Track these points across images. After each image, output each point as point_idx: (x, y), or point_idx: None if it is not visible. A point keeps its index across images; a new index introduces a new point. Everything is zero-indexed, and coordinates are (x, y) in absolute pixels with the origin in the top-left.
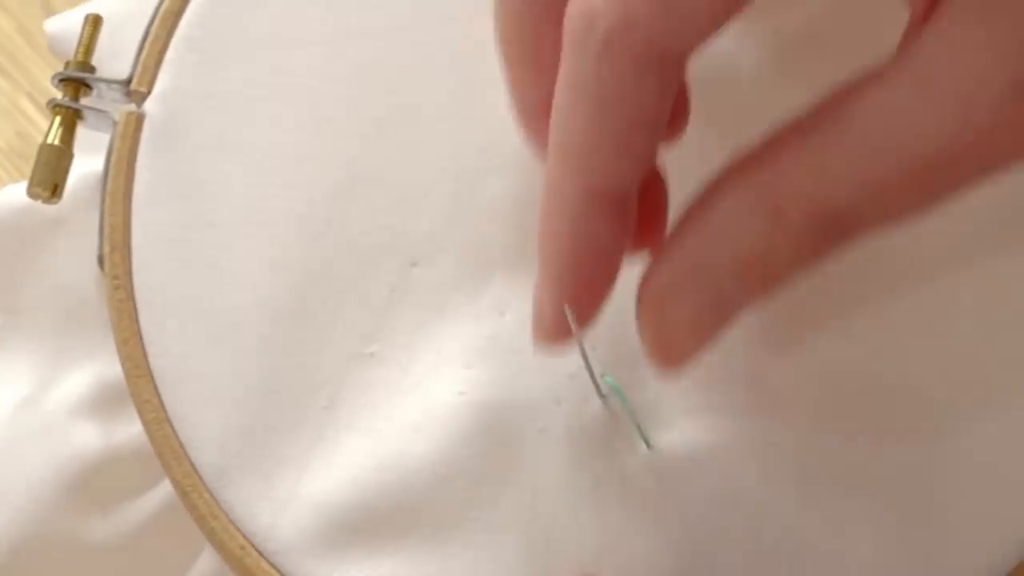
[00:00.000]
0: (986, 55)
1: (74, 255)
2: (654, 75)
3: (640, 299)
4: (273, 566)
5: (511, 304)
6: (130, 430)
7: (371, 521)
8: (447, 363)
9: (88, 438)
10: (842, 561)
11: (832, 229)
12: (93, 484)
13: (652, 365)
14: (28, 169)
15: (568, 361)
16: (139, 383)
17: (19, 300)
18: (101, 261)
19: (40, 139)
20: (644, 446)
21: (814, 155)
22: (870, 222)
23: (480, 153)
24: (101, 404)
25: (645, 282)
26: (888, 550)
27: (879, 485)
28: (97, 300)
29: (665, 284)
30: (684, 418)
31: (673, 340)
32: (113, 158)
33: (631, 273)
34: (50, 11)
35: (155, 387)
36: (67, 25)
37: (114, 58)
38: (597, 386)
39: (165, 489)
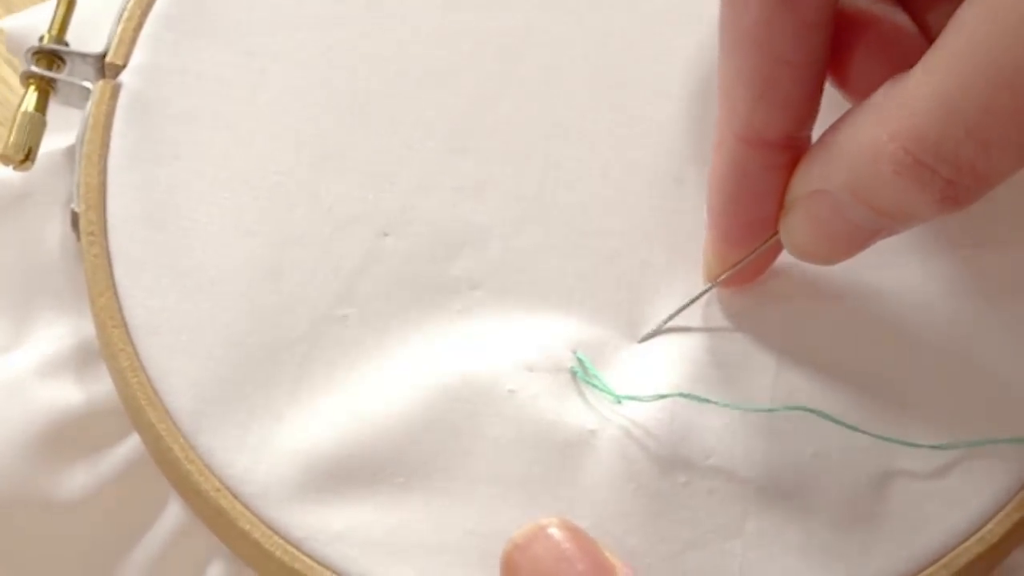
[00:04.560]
0: None
1: (37, 227)
2: (785, 13)
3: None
4: (248, 508)
5: (482, 279)
6: (94, 388)
7: (345, 470)
8: (419, 331)
9: (53, 396)
10: None
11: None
12: (59, 441)
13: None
14: (6, 134)
15: (540, 334)
16: (114, 333)
17: None
18: (75, 221)
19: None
20: (614, 403)
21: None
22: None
23: (452, 135)
24: (66, 364)
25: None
26: None
27: None
28: (60, 270)
29: (791, 195)
30: (654, 389)
31: (799, 242)
32: (89, 122)
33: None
34: None
35: (130, 337)
36: (27, 22)
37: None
38: None
39: (129, 445)
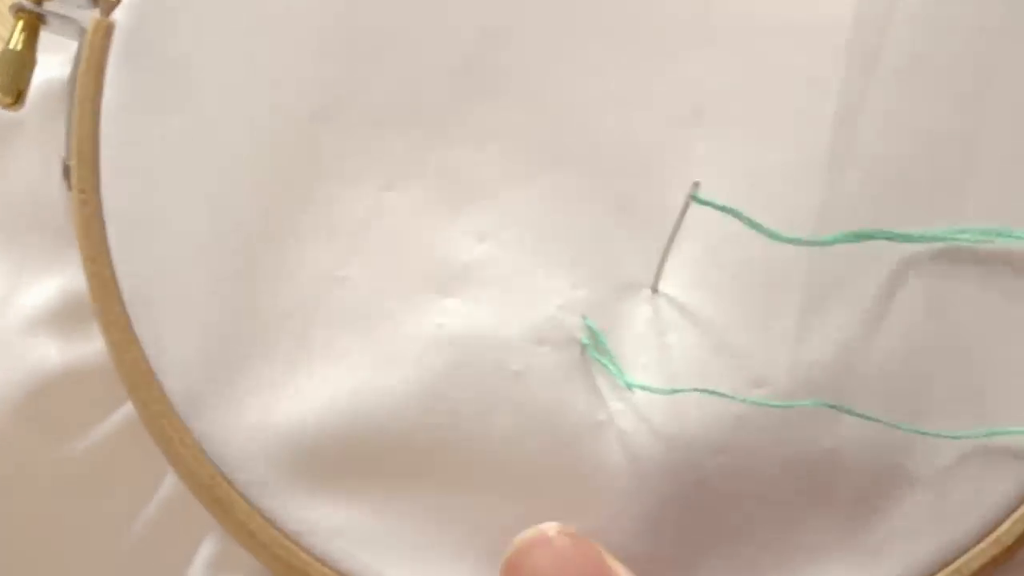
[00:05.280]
0: None
1: (34, 161)
2: None
3: None
4: (244, 498)
5: (490, 231)
6: (88, 348)
7: (344, 455)
8: (422, 290)
9: (46, 354)
10: None
11: None
12: (49, 402)
13: None
14: None
15: (549, 294)
16: (106, 302)
17: None
18: (67, 172)
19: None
20: (624, 388)
21: None
22: None
23: (461, 77)
24: (60, 319)
25: None
26: None
27: None
28: (58, 207)
29: None
30: (665, 359)
31: None
32: (82, 68)
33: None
34: None
35: (123, 307)
36: None
37: None
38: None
39: (123, 412)
